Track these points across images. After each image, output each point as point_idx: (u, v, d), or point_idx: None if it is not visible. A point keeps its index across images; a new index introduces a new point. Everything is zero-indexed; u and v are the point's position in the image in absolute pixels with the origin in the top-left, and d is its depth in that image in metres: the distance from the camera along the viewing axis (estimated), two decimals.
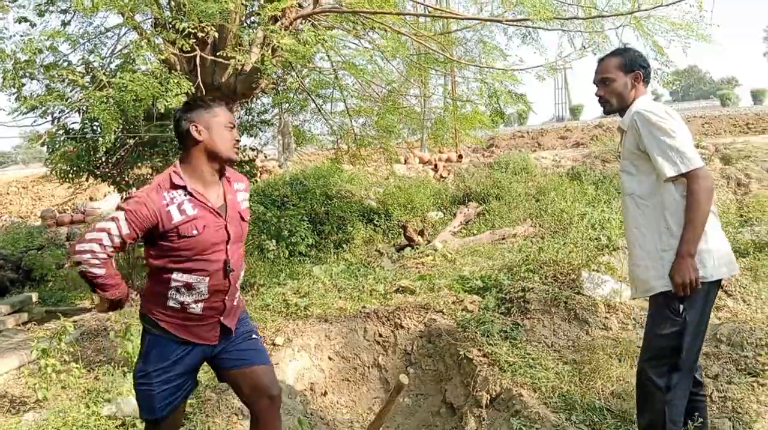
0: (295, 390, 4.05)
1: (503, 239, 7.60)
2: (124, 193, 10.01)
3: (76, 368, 4.80)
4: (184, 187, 2.44)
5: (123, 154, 9.70)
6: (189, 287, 2.44)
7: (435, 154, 16.69)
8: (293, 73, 7.28)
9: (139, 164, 9.75)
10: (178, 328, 2.49)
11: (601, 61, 2.79)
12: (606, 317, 4.19)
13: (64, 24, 7.29)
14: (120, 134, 9.61)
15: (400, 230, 8.13)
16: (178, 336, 2.49)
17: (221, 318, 2.56)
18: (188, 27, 4.60)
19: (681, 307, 2.50)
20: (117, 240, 2.36)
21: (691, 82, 61.62)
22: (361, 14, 5.97)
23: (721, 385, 3.52)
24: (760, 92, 33.10)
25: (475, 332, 4.06)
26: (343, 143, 9.65)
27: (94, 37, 7.53)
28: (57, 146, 9.94)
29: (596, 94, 2.78)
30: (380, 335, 4.50)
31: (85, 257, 2.35)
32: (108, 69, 7.17)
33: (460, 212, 9.42)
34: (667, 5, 5.12)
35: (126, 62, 7.32)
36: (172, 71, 5.19)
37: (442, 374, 4.17)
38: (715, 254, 2.56)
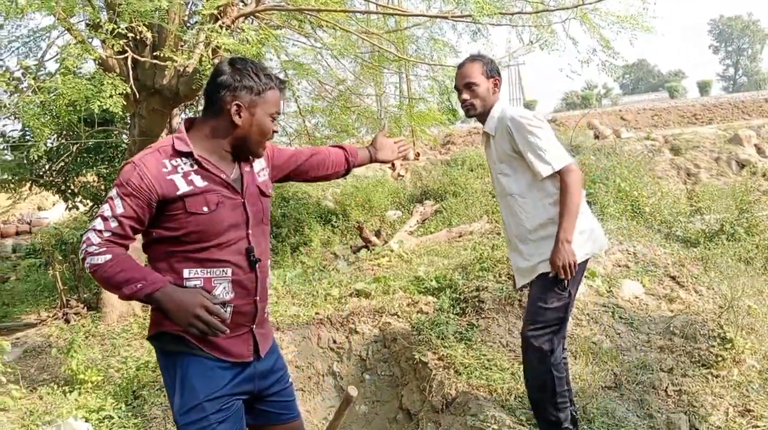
0: None
1: (460, 236, 7.55)
2: (69, 202, 9.66)
3: (15, 389, 4.54)
4: (189, 154, 1.95)
5: (67, 161, 9.35)
6: (208, 284, 1.94)
7: None
8: None
9: (84, 172, 9.41)
10: (204, 342, 1.96)
11: (461, 67, 2.96)
12: None
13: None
14: (63, 141, 9.27)
15: (357, 231, 8.01)
16: (208, 353, 1.98)
17: (253, 327, 2.08)
18: (118, 27, 4.37)
19: (566, 282, 2.77)
20: (113, 223, 1.87)
21: (640, 75, 63.13)
22: (306, 12, 5.82)
23: (676, 378, 3.51)
24: (706, 84, 34.10)
25: (430, 335, 3.96)
26: (296, 144, 9.48)
27: (29, 41, 7.20)
28: None
29: (461, 99, 2.94)
30: (334, 342, 4.37)
31: (82, 248, 1.89)
32: (46, 72, 6.86)
33: (417, 211, 9.35)
34: None
35: (63, 66, 7.03)
36: (108, 73, 4.96)
37: (398, 379, 4.07)
38: (589, 234, 2.86)
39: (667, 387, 3.45)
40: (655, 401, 3.37)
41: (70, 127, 8.62)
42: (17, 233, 14.17)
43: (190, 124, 2.07)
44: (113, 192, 1.91)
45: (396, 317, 4.38)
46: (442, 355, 3.77)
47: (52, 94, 4.54)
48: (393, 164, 15.85)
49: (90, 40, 5.76)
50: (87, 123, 8.28)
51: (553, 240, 2.73)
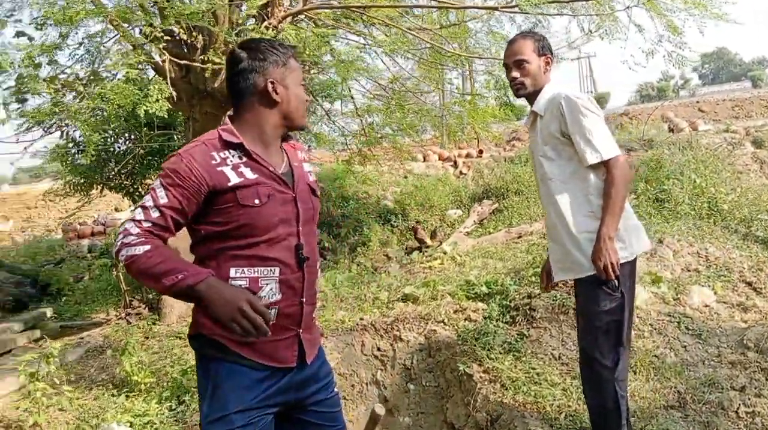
0: None
1: (519, 237, 7.25)
2: (137, 203, 9.96)
3: (68, 390, 4.63)
4: (239, 146, 1.89)
5: (133, 164, 9.66)
6: (255, 284, 1.84)
7: (454, 150, 16.31)
8: None
9: (150, 174, 9.68)
10: (245, 346, 1.86)
11: (512, 43, 2.79)
12: None
13: (63, 36, 7.15)
14: (130, 145, 9.59)
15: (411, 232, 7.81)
16: (248, 358, 1.87)
17: (300, 331, 1.96)
18: (154, 29, 4.38)
19: (616, 282, 2.55)
20: (154, 214, 1.79)
21: (721, 64, 59.81)
22: (353, 9, 5.69)
23: (749, 398, 3.15)
24: None
25: (475, 346, 3.74)
26: (353, 144, 9.40)
27: (92, 48, 7.39)
28: (69, 160, 10.00)
29: (510, 77, 2.77)
30: (379, 349, 4.22)
31: (118, 239, 1.79)
32: (99, 79, 7.05)
33: (474, 211, 9.07)
34: None
35: (124, 71, 7.23)
36: (161, 76, 5.00)
37: (443, 390, 3.88)
38: (635, 232, 2.68)
39: (738, 408, 3.11)
40: (725, 423, 3.03)
41: (133, 130, 8.90)
42: (92, 234, 14.77)
43: (231, 120, 2.00)
44: (156, 182, 1.84)
45: (442, 324, 4.18)
46: (488, 367, 3.55)
47: (101, 99, 4.60)
48: (455, 162, 15.59)
49: (146, 46, 5.86)
50: (149, 127, 8.50)
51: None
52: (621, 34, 5.58)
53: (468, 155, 15.86)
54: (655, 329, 3.80)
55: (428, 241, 6.78)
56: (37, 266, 11.86)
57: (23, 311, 8.92)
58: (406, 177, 13.39)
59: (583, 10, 6.61)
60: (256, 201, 1.84)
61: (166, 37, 4.47)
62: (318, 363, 2.07)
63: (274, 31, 5.19)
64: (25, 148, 6.36)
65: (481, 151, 15.86)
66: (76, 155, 9.93)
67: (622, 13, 5.85)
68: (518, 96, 2.80)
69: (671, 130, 14.77)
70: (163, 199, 1.80)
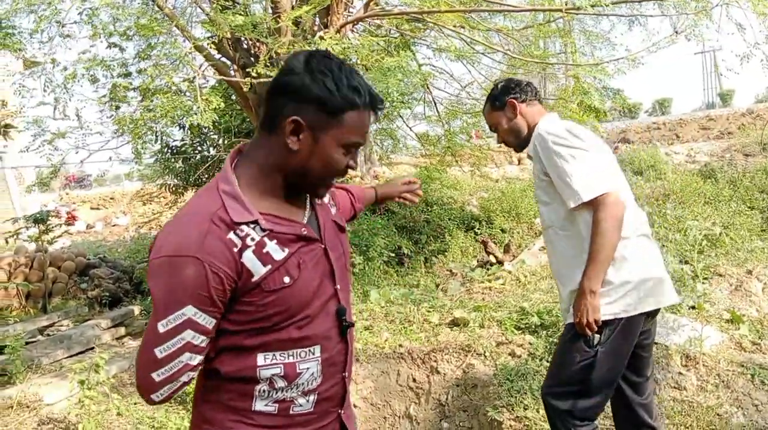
0: None
1: None
2: None
3: (117, 399, 4.74)
4: (255, 222, 1.36)
5: (220, 168, 10.05)
6: (292, 370, 1.42)
7: None
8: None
9: None
10: None
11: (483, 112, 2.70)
12: (680, 373, 3.33)
13: (151, 47, 7.45)
14: (221, 152, 10.01)
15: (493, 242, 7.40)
16: None
17: (341, 411, 1.56)
18: (222, 35, 4.42)
19: (597, 338, 2.26)
20: (205, 343, 1.35)
21: None
22: (413, 15, 5.44)
23: None
24: None
25: (503, 387, 3.39)
26: (431, 150, 9.19)
27: (176, 59, 7.65)
28: (165, 163, 10.58)
29: (497, 143, 2.70)
30: (414, 380, 3.96)
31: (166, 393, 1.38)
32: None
33: None
34: None
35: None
36: (200, 89, 5.07)
37: None
38: (640, 288, 2.26)
39: None
40: None
41: (224, 136, 9.28)
42: None
43: (237, 154, 1.46)
44: (188, 310, 1.30)
45: (482, 358, 3.85)
46: (520, 415, 3.20)
47: (149, 111, 4.75)
48: None
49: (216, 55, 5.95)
50: (232, 133, 8.77)
51: None
52: (714, 34, 4.93)
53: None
54: (723, 381, 3.26)
55: (497, 256, 6.38)
56: (135, 263, 12.52)
57: (115, 308, 9.43)
58: (497, 181, 12.91)
59: (672, 9, 5.99)
60: (286, 280, 1.38)
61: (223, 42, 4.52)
62: None
63: (333, 40, 5.05)
64: (82, 161, 6.65)
65: None
66: (171, 159, 10.50)
67: (716, 11, 5.21)
68: (518, 152, 2.69)
69: None
70: (211, 324, 1.35)
